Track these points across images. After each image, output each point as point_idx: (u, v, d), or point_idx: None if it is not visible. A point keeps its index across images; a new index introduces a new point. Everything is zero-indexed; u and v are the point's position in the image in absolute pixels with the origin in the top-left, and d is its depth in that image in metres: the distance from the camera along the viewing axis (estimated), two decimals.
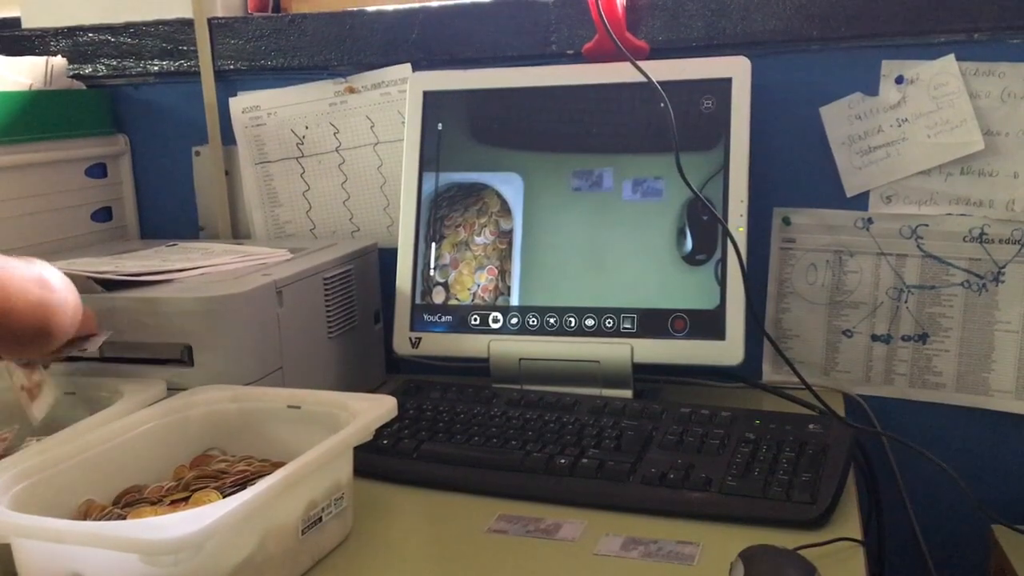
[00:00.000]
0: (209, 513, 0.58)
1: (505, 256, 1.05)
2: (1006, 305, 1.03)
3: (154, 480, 0.75)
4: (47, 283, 0.72)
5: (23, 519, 0.59)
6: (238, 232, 1.27)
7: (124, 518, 0.68)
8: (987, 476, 1.06)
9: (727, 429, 0.87)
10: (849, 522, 0.76)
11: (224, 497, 0.70)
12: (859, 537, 0.73)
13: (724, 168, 0.99)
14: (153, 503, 0.71)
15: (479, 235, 1.06)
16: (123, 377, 0.86)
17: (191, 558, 0.58)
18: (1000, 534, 0.98)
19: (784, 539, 0.70)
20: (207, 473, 0.75)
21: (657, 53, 1.07)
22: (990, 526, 1.00)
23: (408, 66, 1.16)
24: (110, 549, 0.56)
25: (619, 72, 1.02)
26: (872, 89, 1.04)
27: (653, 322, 0.99)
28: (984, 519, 1.01)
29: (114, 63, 1.25)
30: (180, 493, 0.72)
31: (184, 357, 0.88)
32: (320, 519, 0.71)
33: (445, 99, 1.09)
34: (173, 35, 1.22)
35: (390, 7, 1.15)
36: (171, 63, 1.23)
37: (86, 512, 0.70)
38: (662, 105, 0.99)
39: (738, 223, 0.98)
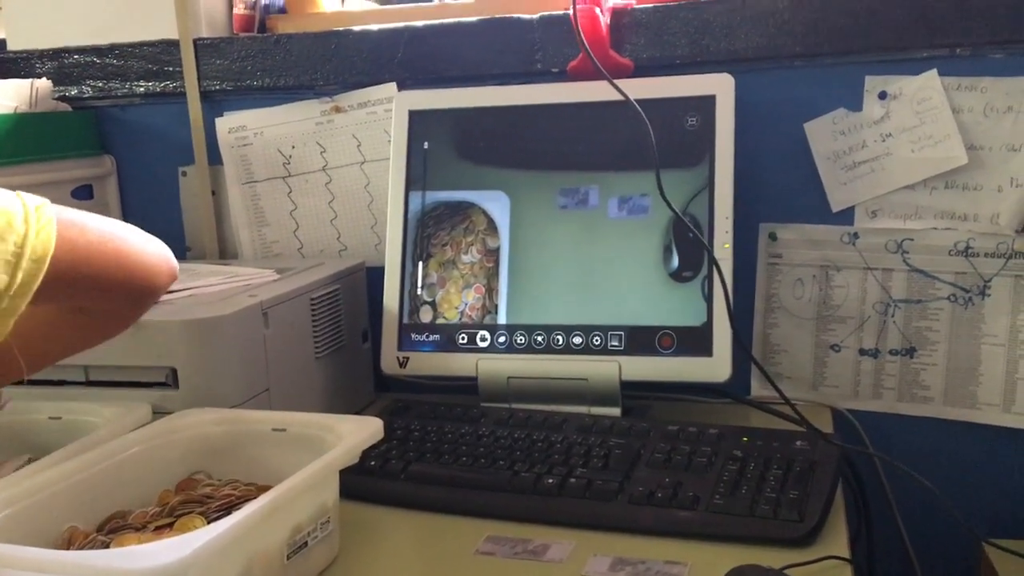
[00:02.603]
0: (192, 540, 0.58)
1: (492, 274, 1.05)
2: (992, 318, 1.03)
3: (140, 504, 0.75)
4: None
5: (5, 549, 0.58)
6: (225, 252, 1.27)
7: (108, 545, 0.68)
8: (976, 490, 1.06)
9: (714, 447, 0.87)
10: (837, 540, 0.76)
11: (209, 522, 0.70)
12: (847, 555, 0.73)
13: (709, 185, 0.99)
14: (138, 529, 0.71)
15: (466, 253, 1.06)
16: (108, 401, 0.86)
17: None
18: (990, 550, 0.98)
19: (772, 558, 0.70)
20: (192, 498, 0.75)
21: (641, 71, 1.07)
22: (980, 542, 1.00)
23: (394, 85, 1.16)
24: None
25: (604, 90, 1.02)
26: (856, 105, 1.04)
27: (640, 339, 0.99)
28: (974, 535, 1.01)
29: (100, 84, 1.25)
30: (165, 519, 0.72)
31: (169, 380, 0.87)
32: (306, 543, 0.71)
33: (431, 118, 1.09)
34: (158, 56, 1.22)
35: (375, 26, 1.16)
36: (157, 84, 1.23)
37: (70, 539, 0.69)
38: (643, 123, 0.99)
39: (724, 239, 0.98)
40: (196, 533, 0.60)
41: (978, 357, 1.04)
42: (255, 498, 0.69)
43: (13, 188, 1.11)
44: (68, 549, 0.68)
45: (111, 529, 0.71)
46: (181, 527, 0.70)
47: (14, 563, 0.58)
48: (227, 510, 0.72)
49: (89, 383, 0.90)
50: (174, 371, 0.87)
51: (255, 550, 0.65)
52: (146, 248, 0.68)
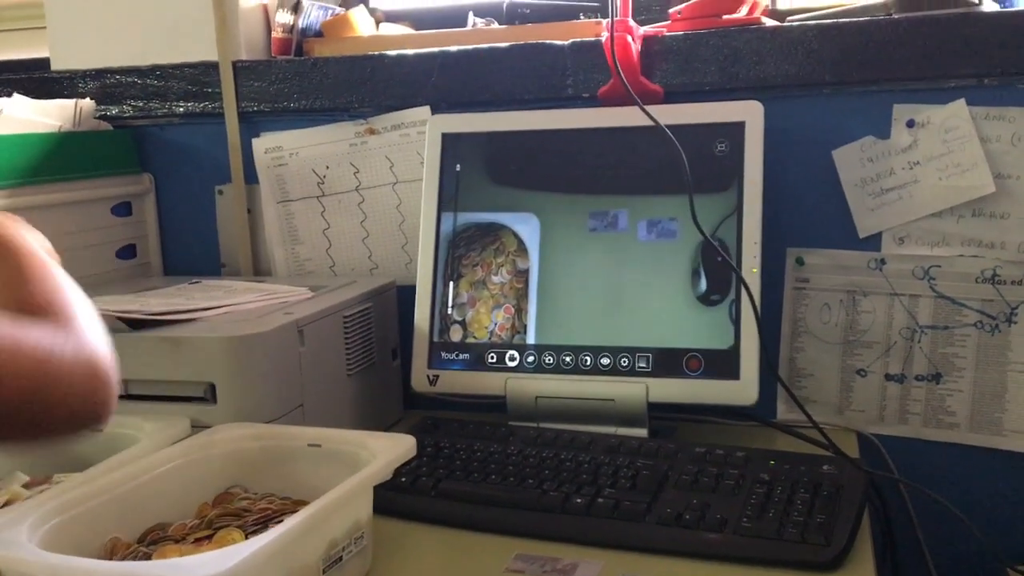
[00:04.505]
0: (234, 553, 0.59)
1: (522, 295, 1.07)
2: (1019, 346, 1.03)
3: (178, 517, 0.76)
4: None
5: (54, 559, 0.60)
6: (259, 269, 1.29)
7: (149, 556, 0.70)
8: (1002, 516, 1.07)
9: (742, 469, 0.88)
10: (864, 564, 0.76)
11: (247, 535, 0.71)
12: None
13: (738, 210, 1.01)
14: (177, 541, 0.73)
15: (496, 274, 1.08)
16: (147, 415, 0.88)
17: None
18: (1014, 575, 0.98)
19: None
20: (230, 511, 0.77)
21: (672, 97, 1.09)
22: (1006, 569, 1.00)
23: (427, 108, 1.18)
24: None
25: (634, 115, 1.04)
26: (884, 132, 1.05)
27: (668, 361, 1.01)
28: (1000, 560, 1.01)
29: (140, 104, 1.28)
30: (203, 531, 0.74)
31: (208, 395, 0.89)
32: (341, 558, 0.72)
33: (463, 141, 1.11)
34: (198, 77, 1.25)
35: (410, 51, 1.18)
36: (196, 104, 1.26)
37: (112, 550, 0.71)
38: (675, 149, 1.00)
39: (752, 264, 0.99)
40: (238, 546, 0.62)
41: (1004, 384, 1.04)
42: (291, 512, 0.71)
43: (57, 205, 1.15)
44: (110, 559, 0.70)
45: (151, 541, 0.73)
46: (220, 540, 0.72)
47: (65, 573, 0.60)
48: (264, 524, 0.74)
49: (129, 396, 0.92)
50: (212, 386, 0.89)
51: (293, 564, 0.67)
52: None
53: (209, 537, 0.73)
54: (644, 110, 1.01)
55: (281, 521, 0.67)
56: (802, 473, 0.87)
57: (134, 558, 0.70)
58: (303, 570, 0.68)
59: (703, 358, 1.00)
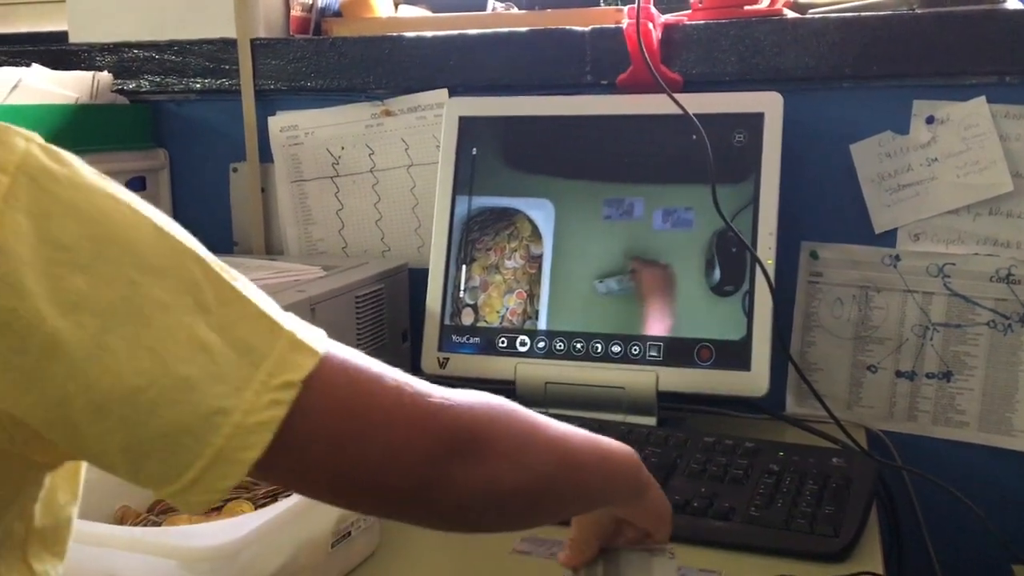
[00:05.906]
0: (246, 523, 0.60)
1: (534, 280, 1.07)
2: None
3: None
4: None
5: None
6: (271, 248, 1.29)
7: (160, 524, 0.70)
8: (1008, 515, 1.06)
9: (751, 460, 0.88)
10: (871, 556, 0.76)
11: (256, 508, 0.72)
12: (881, 572, 0.73)
13: (754, 201, 1.01)
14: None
15: (509, 259, 1.08)
16: None
17: (227, 567, 0.60)
18: (1021, 574, 0.98)
19: (806, 571, 0.71)
20: (239, 484, 0.77)
21: (690, 86, 1.08)
22: (1011, 566, 1.00)
23: (445, 91, 1.18)
24: (151, 555, 0.58)
25: (652, 103, 1.04)
26: (903, 128, 1.05)
27: (679, 351, 1.00)
28: (1005, 558, 1.01)
29: (157, 79, 1.28)
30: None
31: None
32: (350, 533, 0.72)
33: (480, 125, 1.11)
34: (216, 54, 1.25)
35: (428, 33, 1.18)
36: (213, 81, 1.26)
37: (122, 517, 0.71)
38: (694, 137, 1.00)
39: (767, 256, 0.99)
40: (249, 516, 0.62)
41: (1015, 384, 1.04)
42: None
43: None
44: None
45: (161, 511, 0.74)
46: (230, 511, 0.72)
47: (77, 537, 0.60)
48: (273, 498, 0.74)
49: None
50: None
51: (303, 536, 0.67)
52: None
53: (218, 508, 0.73)
54: (673, 98, 1.01)
55: (290, 496, 0.67)
56: (811, 465, 0.87)
57: (144, 526, 0.70)
58: (312, 543, 0.68)
59: (714, 348, 1.00)
